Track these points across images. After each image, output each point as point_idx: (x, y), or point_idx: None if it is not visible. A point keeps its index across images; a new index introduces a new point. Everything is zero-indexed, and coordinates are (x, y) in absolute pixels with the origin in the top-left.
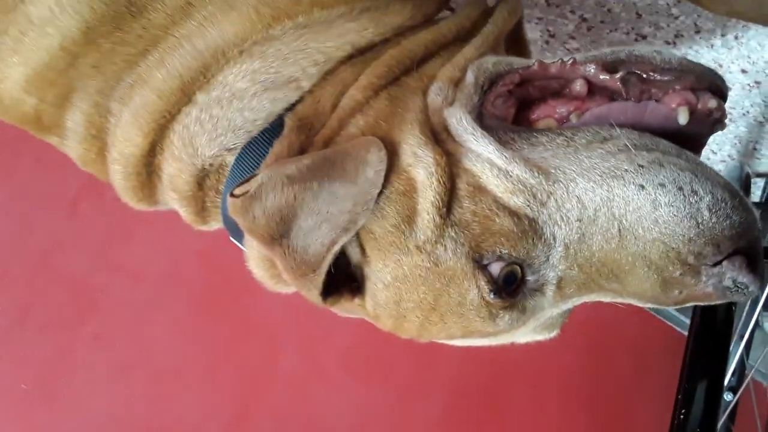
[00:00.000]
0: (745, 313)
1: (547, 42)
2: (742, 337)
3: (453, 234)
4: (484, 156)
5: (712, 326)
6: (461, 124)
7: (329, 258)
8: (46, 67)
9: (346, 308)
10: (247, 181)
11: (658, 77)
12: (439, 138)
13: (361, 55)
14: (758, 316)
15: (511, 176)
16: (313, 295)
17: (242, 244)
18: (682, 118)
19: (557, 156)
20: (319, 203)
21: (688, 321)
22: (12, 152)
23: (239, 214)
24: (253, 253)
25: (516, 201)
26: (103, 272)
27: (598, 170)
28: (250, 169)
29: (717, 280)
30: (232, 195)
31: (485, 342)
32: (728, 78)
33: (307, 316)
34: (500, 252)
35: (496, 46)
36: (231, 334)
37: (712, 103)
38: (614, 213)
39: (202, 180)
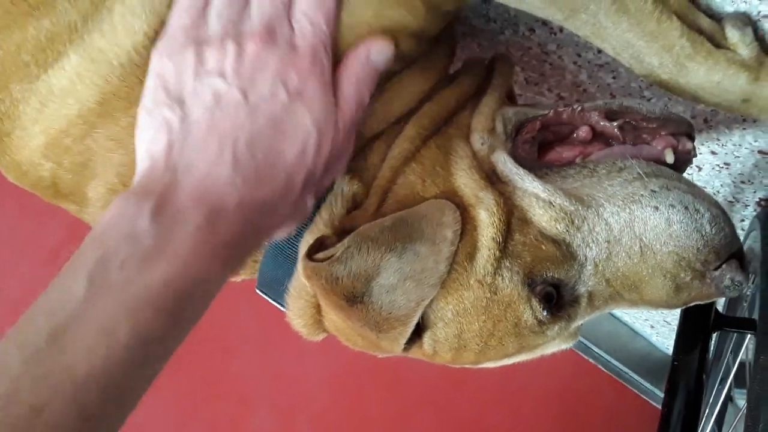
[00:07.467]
0: (715, 389)
1: None
2: (712, 413)
3: (508, 264)
4: (530, 191)
5: (681, 404)
6: (506, 166)
7: (419, 312)
8: (63, 133)
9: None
10: (320, 245)
11: (646, 125)
12: (491, 180)
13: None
14: (729, 390)
15: (554, 206)
16: (398, 345)
17: (276, 295)
18: (669, 157)
19: (585, 185)
20: (402, 263)
21: (661, 394)
22: None
23: (321, 277)
24: (299, 303)
25: (558, 227)
26: None
27: (620, 196)
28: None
29: (719, 281)
30: (311, 259)
31: (524, 357)
32: (698, 159)
33: (280, 378)
34: (546, 275)
35: (506, 97)
36: (202, 393)
37: (689, 145)
38: (635, 232)
39: None
